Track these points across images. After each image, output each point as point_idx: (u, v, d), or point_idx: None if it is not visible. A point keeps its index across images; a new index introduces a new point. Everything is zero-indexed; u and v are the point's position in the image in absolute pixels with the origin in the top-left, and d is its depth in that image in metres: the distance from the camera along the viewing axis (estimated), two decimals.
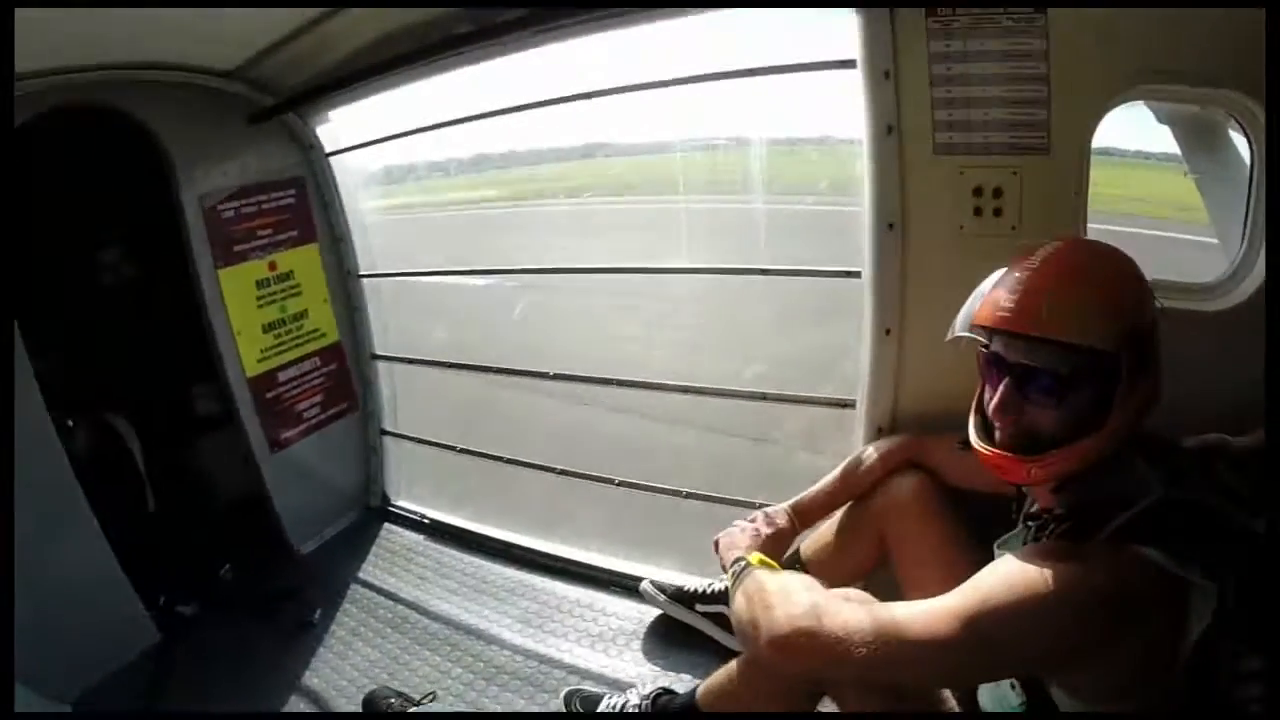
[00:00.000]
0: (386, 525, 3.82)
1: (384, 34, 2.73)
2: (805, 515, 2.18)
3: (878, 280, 2.19)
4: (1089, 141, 1.85)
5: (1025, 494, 1.62)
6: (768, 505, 2.39)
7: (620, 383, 3.36)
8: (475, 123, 3.06)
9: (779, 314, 7.64)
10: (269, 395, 3.46)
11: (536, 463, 3.52)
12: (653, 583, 2.75)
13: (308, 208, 3.52)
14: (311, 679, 2.83)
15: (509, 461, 3.57)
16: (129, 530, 3.12)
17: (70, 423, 3.10)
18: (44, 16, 2.08)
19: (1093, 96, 1.82)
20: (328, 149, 3.49)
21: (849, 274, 2.35)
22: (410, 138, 3.28)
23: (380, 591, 3.31)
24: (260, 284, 3.38)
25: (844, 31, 2.06)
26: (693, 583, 2.71)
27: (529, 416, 5.93)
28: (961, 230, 2.02)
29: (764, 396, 2.91)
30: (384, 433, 3.90)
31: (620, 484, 3.26)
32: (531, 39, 2.58)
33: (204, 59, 3.03)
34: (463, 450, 3.73)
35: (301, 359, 3.57)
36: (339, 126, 3.50)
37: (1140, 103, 2.00)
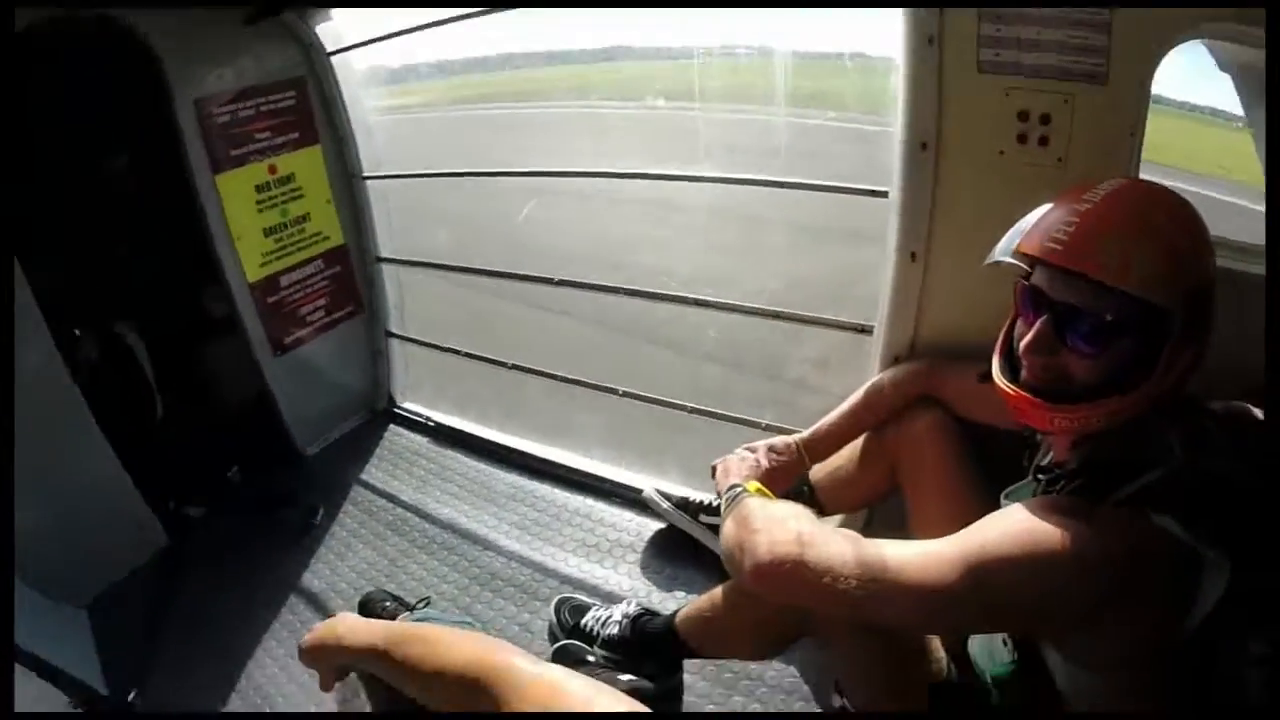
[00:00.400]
0: (392, 427, 3.87)
1: None
2: (815, 449, 2.14)
3: (906, 201, 2.05)
4: (1150, 77, 1.67)
5: (1039, 442, 1.55)
6: (775, 428, 2.37)
7: (627, 292, 3.30)
8: (483, 18, 2.92)
9: (800, 230, 7.47)
10: (271, 300, 3.46)
11: (540, 369, 3.52)
12: (657, 490, 2.78)
13: (309, 109, 3.43)
14: (311, 580, 2.92)
15: (513, 367, 3.57)
16: (137, 437, 3.19)
17: (77, 333, 3.15)
18: None
19: (1159, 27, 1.63)
20: (329, 48, 3.38)
21: (875, 193, 2.23)
22: (415, 34, 3.14)
23: (382, 494, 3.39)
24: (260, 188, 3.34)
25: None
26: (697, 495, 2.74)
27: (530, 330, 5.90)
28: (1001, 156, 1.86)
29: (777, 315, 2.81)
30: (389, 335, 3.90)
31: (624, 394, 3.24)
32: None
33: None
34: (468, 354, 3.74)
35: (304, 263, 3.55)
36: (341, 25, 3.38)
37: (1199, 44, 1.78)
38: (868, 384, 2.13)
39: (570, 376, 3.41)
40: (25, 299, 2.58)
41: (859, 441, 2.14)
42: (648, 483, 2.89)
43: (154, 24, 2.91)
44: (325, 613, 2.71)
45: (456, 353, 3.77)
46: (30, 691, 2.11)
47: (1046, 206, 1.35)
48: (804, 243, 7.48)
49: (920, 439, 1.96)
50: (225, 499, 3.44)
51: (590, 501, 3.13)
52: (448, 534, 3.06)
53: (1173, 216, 1.25)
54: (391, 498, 3.35)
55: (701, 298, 3.02)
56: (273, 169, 3.36)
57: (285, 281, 3.50)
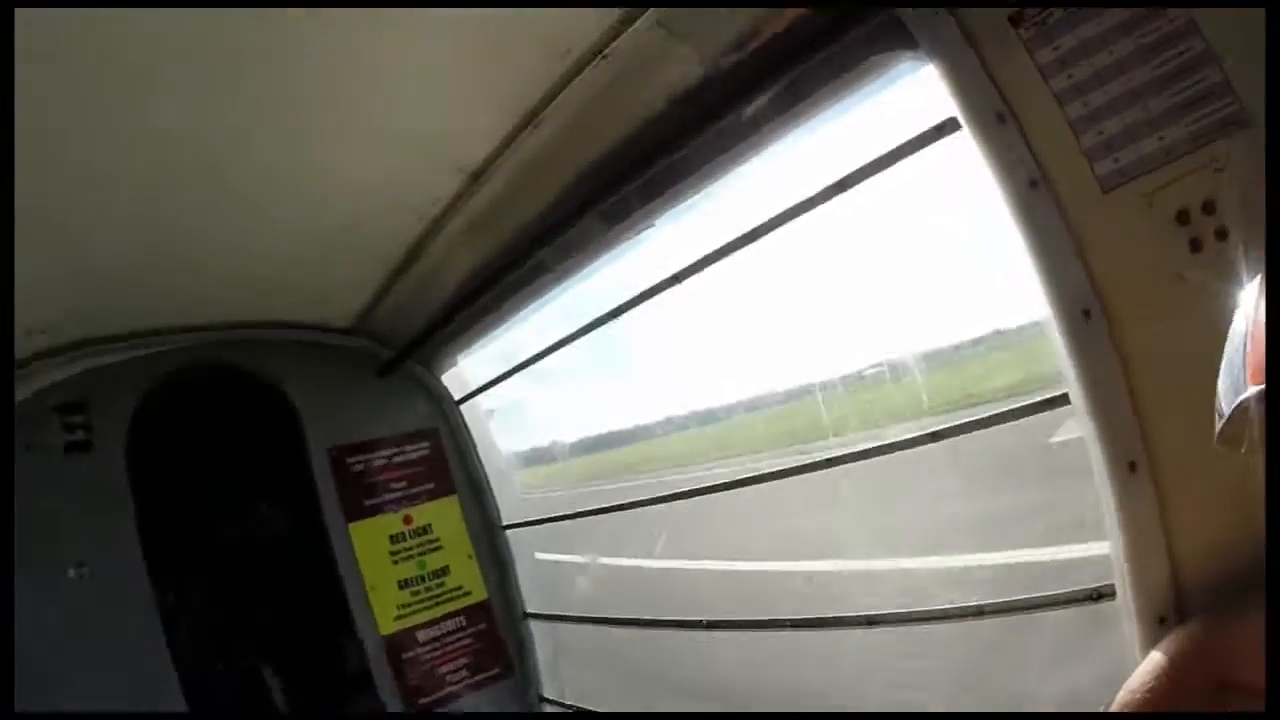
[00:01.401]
0: None
1: (478, 263, 2.68)
2: None
3: (1091, 396, 1.54)
4: None
5: None
6: None
7: (785, 624, 2.75)
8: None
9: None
10: (406, 655, 3.20)
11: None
12: None
13: (443, 459, 3.42)
14: None
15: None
16: None
17: (220, 667, 3.13)
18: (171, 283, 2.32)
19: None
20: (457, 396, 3.42)
21: (1050, 404, 1.77)
22: (534, 366, 3.11)
23: None
24: (395, 538, 3.25)
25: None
26: None
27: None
28: (1182, 283, 1.39)
29: (980, 612, 2.13)
30: (543, 700, 3.44)
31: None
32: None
33: (320, 316, 3.15)
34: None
35: (443, 618, 3.31)
36: (468, 372, 3.46)
37: None
38: (1129, 689, 1.43)
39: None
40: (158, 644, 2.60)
41: None
42: None
43: (292, 373, 3.09)
44: None
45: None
46: None
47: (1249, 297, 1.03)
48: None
49: None
50: None
51: None
52: None
53: None
54: None
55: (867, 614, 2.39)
56: (408, 519, 3.28)
57: (423, 637, 3.25)
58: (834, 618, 2.56)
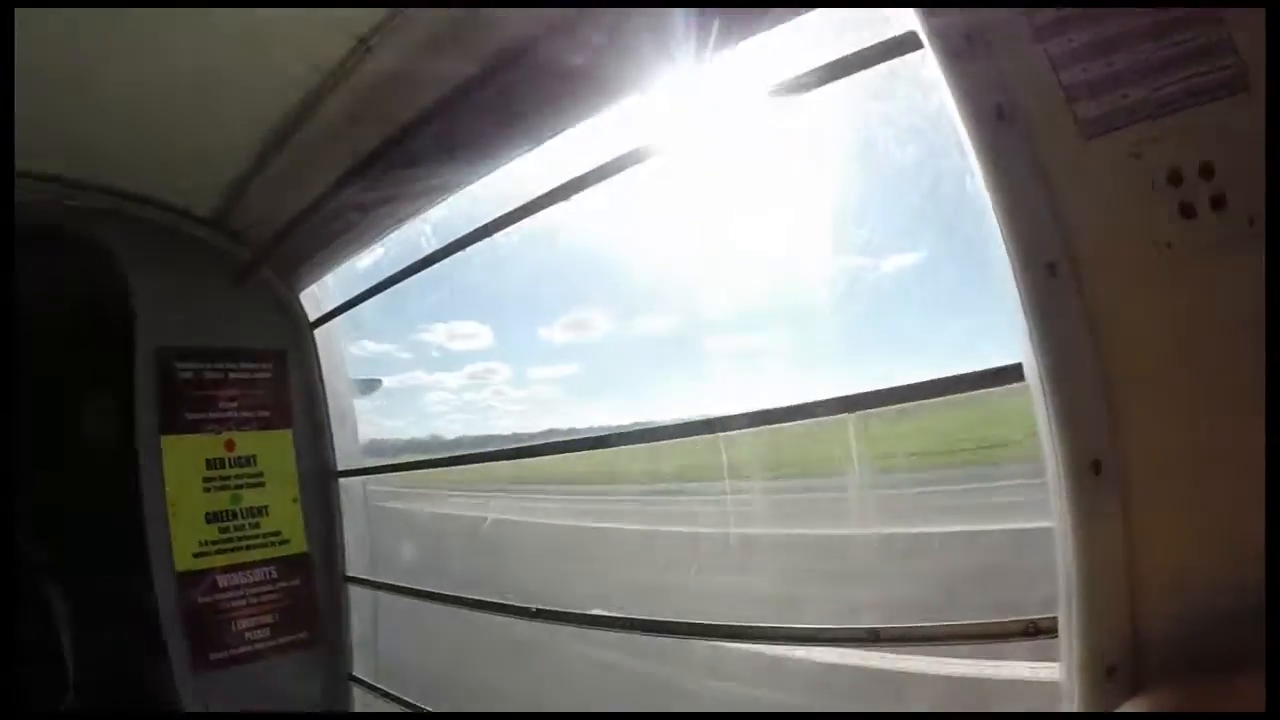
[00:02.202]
0: None
1: (346, 170, 2.40)
2: None
3: (1052, 374, 1.25)
4: None
5: None
6: None
7: (640, 626, 2.33)
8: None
9: None
10: (202, 600, 2.77)
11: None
12: None
13: (285, 387, 3.03)
14: None
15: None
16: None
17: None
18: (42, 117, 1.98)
19: None
20: (312, 316, 3.05)
21: (1000, 376, 1.48)
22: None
23: None
24: (212, 463, 2.83)
25: None
26: None
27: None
28: (1170, 250, 1.16)
29: (875, 637, 1.78)
30: (353, 680, 3.00)
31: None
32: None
33: (177, 199, 2.79)
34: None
35: (251, 565, 2.88)
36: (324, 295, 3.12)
37: None
38: None
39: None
40: None
41: None
42: None
43: (134, 254, 2.71)
44: None
45: (415, 710, 2.86)
46: None
47: None
48: None
49: None
50: None
51: None
52: None
53: None
54: None
55: (755, 625, 2.05)
56: (230, 445, 2.87)
57: (223, 582, 2.82)
58: (693, 624, 2.18)
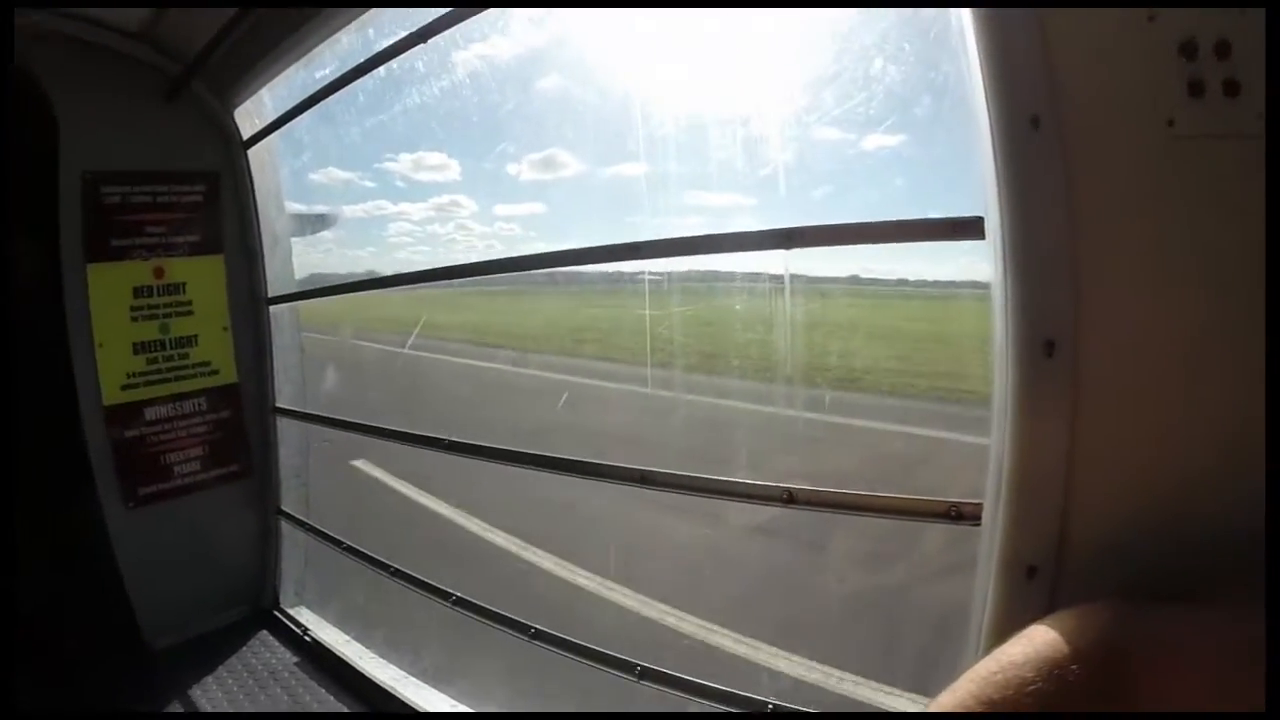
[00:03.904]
0: (264, 634, 2.94)
1: None
2: None
3: (1018, 236, 1.09)
4: None
5: None
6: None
7: (545, 462, 2.21)
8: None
9: None
10: (130, 434, 2.72)
11: (427, 581, 2.52)
12: None
13: (217, 211, 2.84)
14: None
15: (395, 574, 2.60)
16: None
17: None
18: None
19: None
20: (245, 134, 2.81)
21: (961, 228, 1.33)
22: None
23: None
24: (139, 291, 2.70)
25: None
26: None
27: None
28: (1170, 129, 0.98)
29: (789, 498, 1.66)
30: (281, 513, 3.00)
31: (535, 635, 2.17)
32: None
33: (109, 12, 2.52)
34: (350, 549, 2.81)
35: (181, 396, 2.81)
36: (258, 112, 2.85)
37: None
38: (991, 659, 0.95)
39: (465, 598, 2.37)
40: None
41: None
42: None
43: (59, 75, 2.48)
44: None
45: (338, 545, 2.83)
46: None
47: None
48: None
49: None
50: (40, 672, 2.61)
51: None
52: None
53: None
54: None
55: (671, 473, 1.91)
56: (159, 272, 2.73)
57: (152, 415, 2.76)
58: (606, 466, 2.07)
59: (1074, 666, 0.86)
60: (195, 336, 2.81)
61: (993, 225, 1.12)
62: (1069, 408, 1.05)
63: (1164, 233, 0.97)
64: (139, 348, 2.70)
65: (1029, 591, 1.08)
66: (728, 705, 1.72)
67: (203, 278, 2.81)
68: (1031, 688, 0.86)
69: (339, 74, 2.39)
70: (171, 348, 2.76)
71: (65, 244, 2.56)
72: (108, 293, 2.63)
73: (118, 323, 2.65)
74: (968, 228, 1.29)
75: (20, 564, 2.79)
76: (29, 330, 2.73)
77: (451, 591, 2.39)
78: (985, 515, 1.17)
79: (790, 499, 1.66)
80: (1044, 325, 1.06)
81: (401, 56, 2.20)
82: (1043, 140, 1.05)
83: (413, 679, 2.54)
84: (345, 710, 2.49)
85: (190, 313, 2.79)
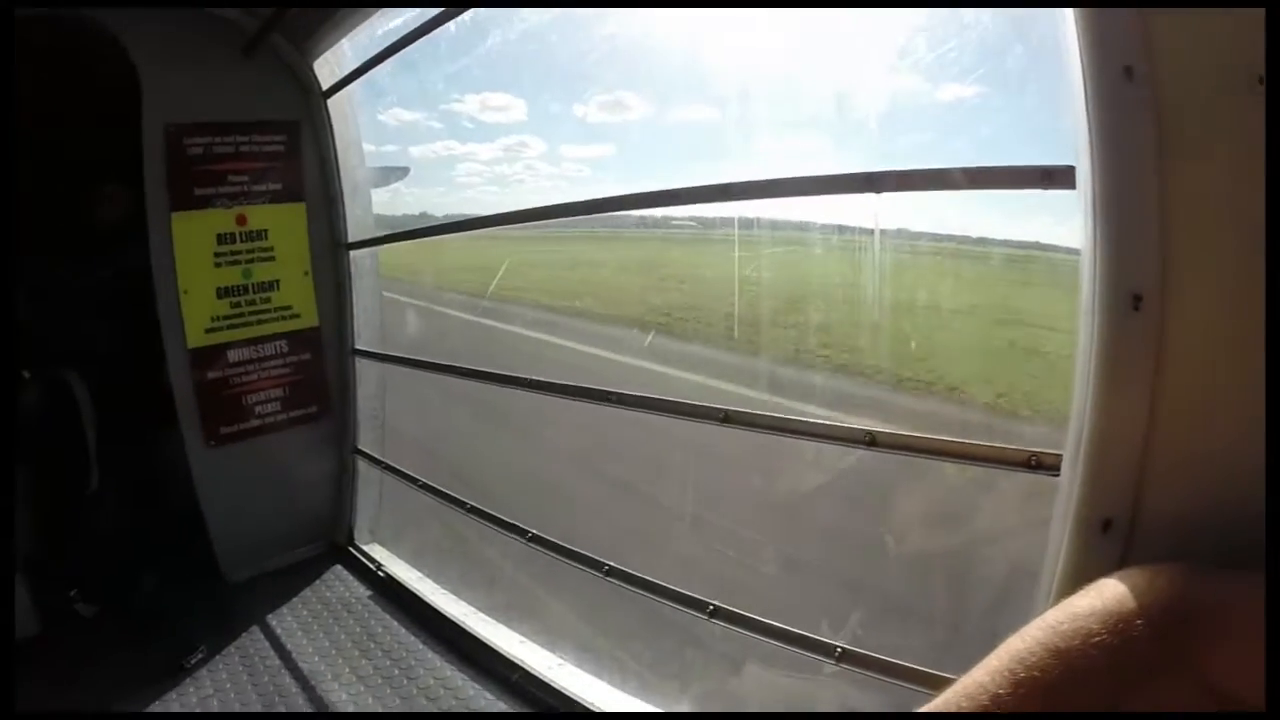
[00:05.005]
0: (338, 569, 3.07)
1: None
2: None
3: (1108, 187, 1.07)
4: None
5: None
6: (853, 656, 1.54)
7: (626, 400, 2.23)
8: None
9: None
10: (213, 375, 2.84)
11: (503, 519, 2.59)
12: None
13: (297, 159, 2.92)
14: None
15: (471, 510, 2.69)
16: (62, 506, 2.83)
17: (26, 374, 2.79)
18: None
19: None
20: (325, 85, 2.87)
21: (1050, 176, 1.30)
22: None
23: (280, 651, 2.57)
24: (222, 238, 2.79)
25: None
26: None
27: None
28: (1260, 86, 0.94)
29: (871, 441, 1.66)
30: (358, 453, 3.11)
31: (609, 572, 2.20)
32: None
33: None
34: (426, 486, 2.92)
35: (261, 339, 2.92)
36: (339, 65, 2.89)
37: None
38: (1058, 610, 0.95)
39: (540, 535, 2.43)
40: None
41: None
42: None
43: (139, 35, 2.54)
44: None
45: (414, 482, 2.94)
46: None
47: None
48: None
49: None
50: (123, 604, 2.81)
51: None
52: None
53: None
54: (286, 661, 2.51)
55: (750, 412, 1.94)
56: (242, 219, 2.82)
57: (234, 357, 2.87)
58: (689, 404, 2.07)
59: (1139, 622, 0.88)
60: (277, 281, 2.91)
61: (1083, 174, 1.10)
62: (1153, 363, 1.04)
63: (1254, 189, 0.93)
64: (222, 292, 2.80)
65: (1103, 545, 1.08)
66: (796, 646, 1.74)
67: (284, 224, 2.90)
68: (1096, 640, 0.88)
69: (419, 21, 2.42)
70: (254, 292, 2.86)
71: (150, 194, 2.66)
72: (191, 240, 2.73)
73: (202, 269, 2.75)
74: (1058, 176, 1.27)
75: (107, 499, 2.98)
76: (116, 280, 2.88)
77: (527, 529, 2.45)
78: (1064, 466, 1.16)
79: (872, 441, 1.66)
80: (1131, 278, 1.04)
81: None
82: (1136, 91, 1.03)
83: (482, 615, 2.63)
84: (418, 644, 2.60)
85: (272, 258, 2.88)
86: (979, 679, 0.93)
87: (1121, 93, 1.03)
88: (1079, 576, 1.00)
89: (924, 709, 0.99)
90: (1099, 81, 1.05)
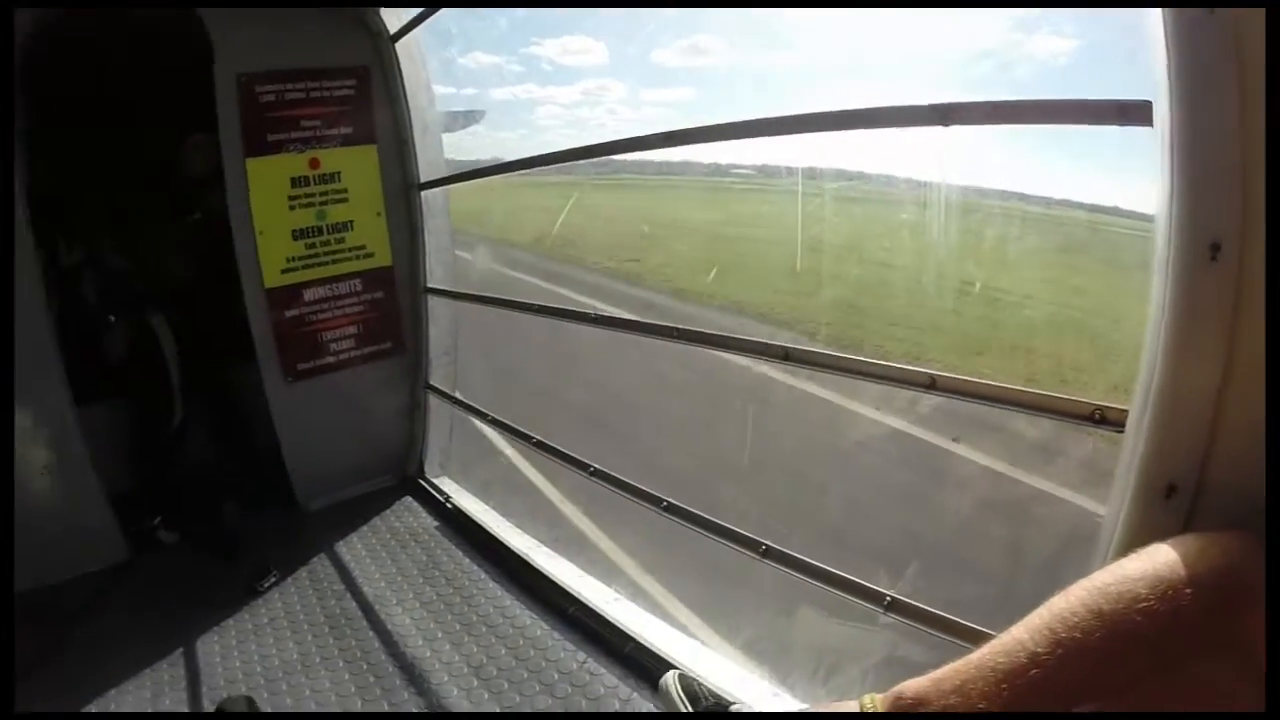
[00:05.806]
0: (408, 500, 3.22)
1: None
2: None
3: (1186, 127, 1.00)
4: None
5: None
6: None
7: (686, 335, 2.25)
8: None
9: None
10: (290, 314, 2.97)
11: (568, 454, 2.64)
12: (681, 680, 1.77)
13: (368, 102, 2.98)
14: (210, 654, 2.35)
15: (538, 444, 2.75)
16: (150, 439, 3.04)
17: (112, 318, 2.98)
18: None
19: None
20: (392, 29, 2.90)
21: (1125, 111, 1.21)
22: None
23: (348, 578, 2.72)
24: (296, 182, 2.89)
25: None
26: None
27: None
28: None
29: (931, 384, 1.63)
30: (430, 389, 3.22)
31: (666, 508, 2.25)
32: None
33: None
34: (495, 420, 3.01)
35: (337, 279, 3.03)
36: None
37: None
38: (1116, 566, 0.96)
39: (601, 469, 2.48)
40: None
41: None
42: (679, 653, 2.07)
43: None
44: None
45: (484, 416, 3.05)
46: None
47: None
48: None
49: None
50: (204, 532, 2.98)
51: (581, 656, 2.21)
52: (382, 652, 2.32)
53: None
54: (352, 586, 2.67)
55: (816, 351, 1.95)
56: (315, 163, 2.90)
57: (310, 296, 2.99)
58: (750, 341, 2.09)
59: (1188, 590, 0.87)
60: (350, 222, 3.00)
61: (1161, 114, 1.03)
62: (1230, 315, 0.98)
63: None
64: (298, 234, 2.91)
65: (1165, 512, 1.04)
66: (845, 592, 1.75)
67: (356, 167, 2.98)
68: (1143, 605, 0.87)
69: None
70: (328, 233, 2.97)
71: (225, 142, 2.77)
72: (266, 184, 2.83)
73: (277, 211, 2.86)
74: (1134, 112, 1.18)
75: (190, 434, 3.17)
76: (195, 225, 3.04)
77: (589, 463, 2.50)
78: (1130, 422, 1.13)
79: (932, 384, 1.63)
80: (1209, 225, 0.99)
81: None
82: (1217, 29, 0.97)
83: (544, 548, 2.72)
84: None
85: (345, 200, 2.98)
86: (1018, 635, 0.95)
87: (1202, 30, 0.97)
88: (1139, 541, 0.97)
89: (959, 662, 1.00)
90: (1179, 19, 0.99)
